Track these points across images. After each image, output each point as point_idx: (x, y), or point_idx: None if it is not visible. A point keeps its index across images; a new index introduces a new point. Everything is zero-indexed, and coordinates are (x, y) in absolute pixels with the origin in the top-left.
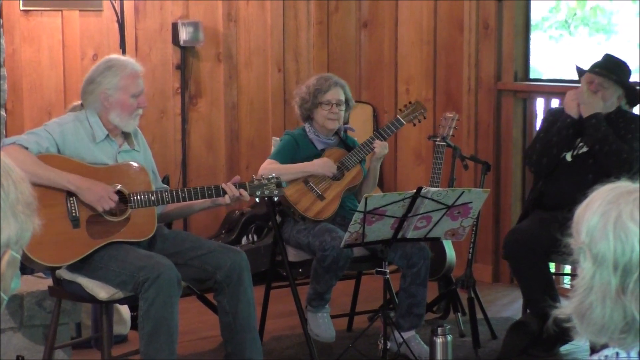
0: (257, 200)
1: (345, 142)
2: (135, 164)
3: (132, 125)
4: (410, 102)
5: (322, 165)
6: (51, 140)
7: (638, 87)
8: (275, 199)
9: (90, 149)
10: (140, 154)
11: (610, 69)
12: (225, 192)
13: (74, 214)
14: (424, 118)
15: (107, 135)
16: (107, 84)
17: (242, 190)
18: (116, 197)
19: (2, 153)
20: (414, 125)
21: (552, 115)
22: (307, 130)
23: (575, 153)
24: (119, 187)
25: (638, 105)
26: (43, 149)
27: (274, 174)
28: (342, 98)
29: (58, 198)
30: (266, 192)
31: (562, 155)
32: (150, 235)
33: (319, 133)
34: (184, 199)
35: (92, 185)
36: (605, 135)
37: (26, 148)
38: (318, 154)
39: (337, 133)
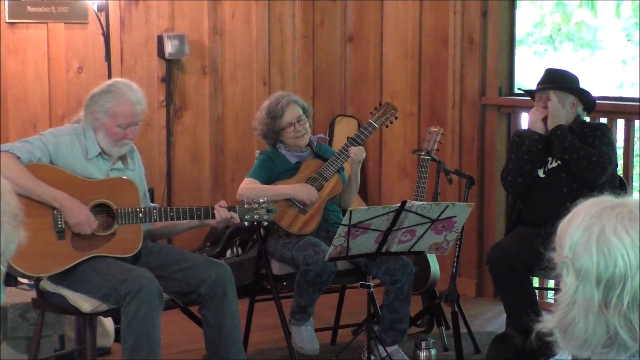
0: (246, 224)
1: (318, 154)
2: (126, 180)
3: (116, 152)
4: (380, 104)
5: (303, 191)
6: (44, 151)
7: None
8: (265, 223)
9: (83, 164)
10: (135, 174)
11: (552, 80)
12: (214, 214)
13: (59, 226)
14: (396, 119)
15: (100, 153)
16: (100, 106)
17: (232, 213)
18: (95, 225)
19: None
20: (387, 127)
21: (519, 136)
22: (279, 147)
23: (546, 169)
24: (107, 201)
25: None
26: (35, 159)
27: (265, 199)
28: (300, 113)
29: (45, 208)
30: (256, 217)
31: (535, 172)
32: (135, 253)
33: (290, 148)
34: (172, 218)
35: (75, 207)
36: (573, 142)
37: (19, 157)
38: (294, 168)
39: (309, 145)
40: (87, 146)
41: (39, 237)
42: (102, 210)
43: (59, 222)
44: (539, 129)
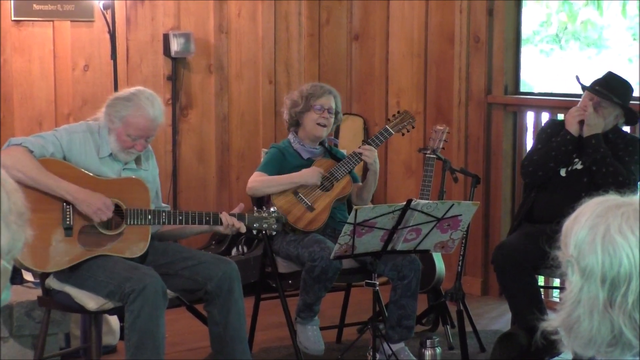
0: (254, 232)
1: (331, 153)
2: (137, 180)
3: (123, 157)
4: (398, 112)
5: (310, 174)
6: (58, 147)
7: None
8: (273, 233)
9: (96, 162)
10: (148, 174)
11: (611, 88)
12: (222, 222)
13: (68, 222)
14: (413, 127)
15: (111, 154)
16: (116, 111)
17: (240, 222)
18: (112, 209)
19: (6, 154)
20: (402, 135)
21: (551, 127)
22: (292, 141)
23: (570, 169)
24: (117, 201)
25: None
26: (48, 154)
27: (275, 208)
28: (333, 106)
29: (54, 204)
30: (264, 226)
31: (558, 169)
32: (140, 254)
33: (304, 142)
34: (181, 222)
35: (89, 197)
36: (604, 156)
37: (31, 152)
38: (305, 164)
39: (321, 143)
40: (100, 145)
41: (47, 232)
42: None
43: (67, 219)
44: (574, 130)
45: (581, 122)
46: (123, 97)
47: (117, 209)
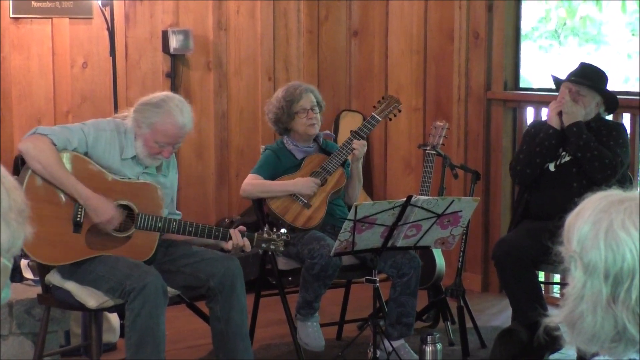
0: (260, 252)
1: (324, 149)
2: (153, 186)
3: (148, 162)
4: (383, 97)
5: (304, 185)
6: (82, 141)
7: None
8: (279, 254)
9: (117, 162)
10: (167, 180)
11: (587, 76)
12: (230, 238)
13: (78, 219)
14: (399, 111)
15: (134, 157)
16: (145, 117)
17: (246, 242)
18: (116, 225)
19: (30, 142)
20: (390, 120)
21: (534, 128)
22: (286, 142)
23: (558, 163)
24: (130, 204)
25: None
26: (71, 148)
27: (284, 230)
28: (315, 101)
29: (68, 198)
30: (271, 247)
31: (546, 165)
32: (146, 259)
33: (298, 143)
34: (190, 234)
35: (99, 207)
36: (587, 142)
37: (55, 144)
38: (299, 164)
39: (315, 140)
40: (125, 146)
41: (55, 225)
42: (123, 211)
43: (79, 215)
44: (555, 123)
45: (561, 114)
46: (152, 104)
47: (130, 212)
